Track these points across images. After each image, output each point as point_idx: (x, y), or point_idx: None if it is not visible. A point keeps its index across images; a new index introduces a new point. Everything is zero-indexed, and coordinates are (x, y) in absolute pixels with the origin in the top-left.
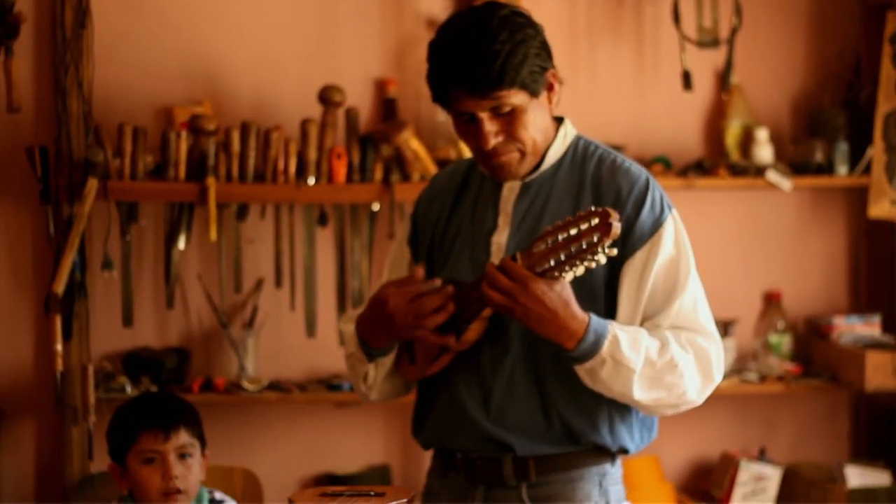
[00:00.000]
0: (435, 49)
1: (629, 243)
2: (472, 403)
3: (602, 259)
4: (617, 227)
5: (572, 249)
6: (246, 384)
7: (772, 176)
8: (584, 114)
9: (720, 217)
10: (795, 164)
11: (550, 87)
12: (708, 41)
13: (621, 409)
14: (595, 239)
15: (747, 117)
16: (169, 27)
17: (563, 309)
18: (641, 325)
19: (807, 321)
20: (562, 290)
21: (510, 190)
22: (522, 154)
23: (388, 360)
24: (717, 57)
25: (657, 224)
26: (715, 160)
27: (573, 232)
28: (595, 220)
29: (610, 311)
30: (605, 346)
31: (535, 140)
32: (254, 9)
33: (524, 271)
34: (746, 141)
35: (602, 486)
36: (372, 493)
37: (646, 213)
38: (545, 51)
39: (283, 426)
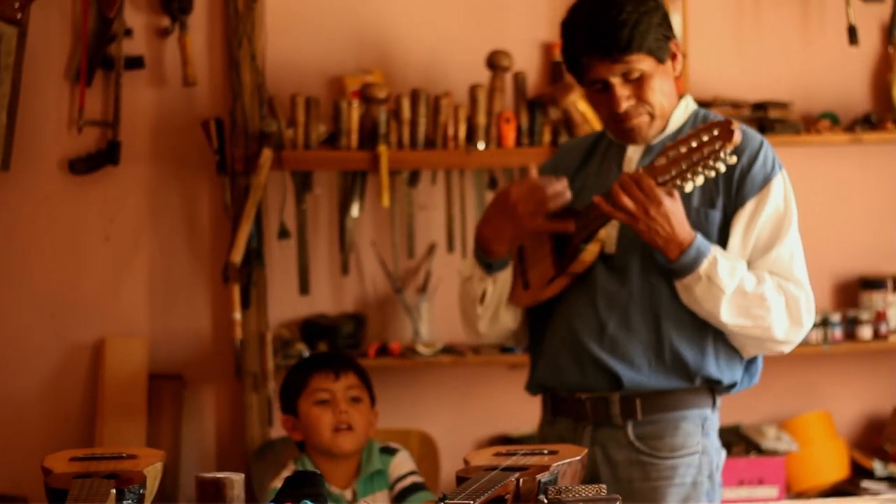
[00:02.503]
0: (567, 24)
1: (741, 194)
2: (586, 333)
3: (721, 167)
4: (738, 133)
5: (694, 158)
6: (420, 348)
7: None
8: (749, 71)
9: (890, 171)
10: None
11: (674, 56)
12: None
13: (728, 347)
14: (717, 146)
15: None
16: None
17: (679, 224)
18: None
19: None
20: (679, 207)
21: (635, 151)
22: (652, 117)
23: (505, 278)
24: (882, 10)
25: (768, 178)
26: (882, 114)
27: (694, 144)
28: (716, 131)
29: None
30: (704, 264)
31: (663, 104)
32: None
33: (658, 190)
34: None
35: (704, 428)
36: (545, 451)
37: (758, 167)
38: (667, 22)
39: (458, 389)
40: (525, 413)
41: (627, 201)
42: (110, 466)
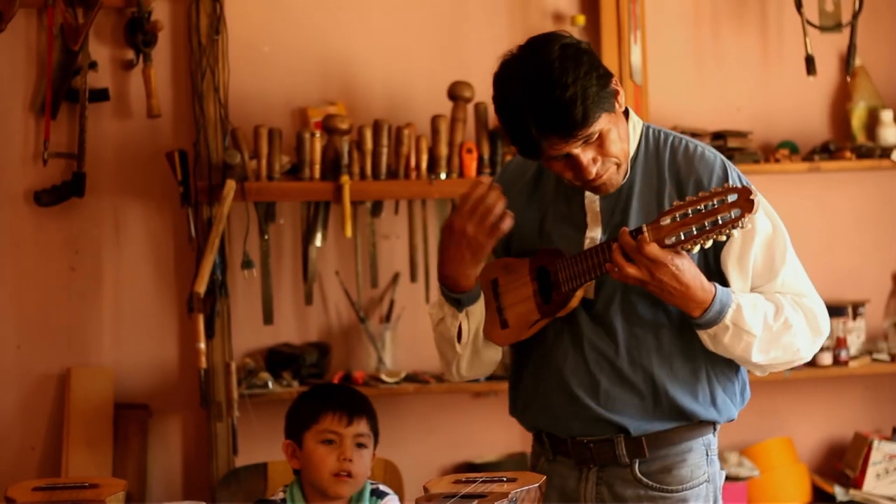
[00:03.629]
0: (508, 109)
1: None
2: (580, 387)
3: (736, 234)
4: (758, 203)
5: (706, 224)
6: (384, 377)
7: None
8: (709, 99)
9: (848, 199)
10: None
11: (616, 94)
12: (830, 25)
13: (721, 379)
14: (733, 215)
15: (872, 99)
16: (301, 30)
17: (694, 281)
18: None
19: None
20: (691, 265)
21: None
22: (619, 165)
23: (477, 312)
24: (840, 40)
25: None
26: (841, 143)
27: (708, 206)
28: (733, 196)
29: None
30: (729, 314)
31: (624, 148)
32: (384, 8)
33: (661, 252)
34: (872, 123)
35: (709, 456)
36: (504, 479)
37: None
38: (601, 66)
39: (422, 417)
40: (489, 441)
41: (632, 270)
42: (73, 496)
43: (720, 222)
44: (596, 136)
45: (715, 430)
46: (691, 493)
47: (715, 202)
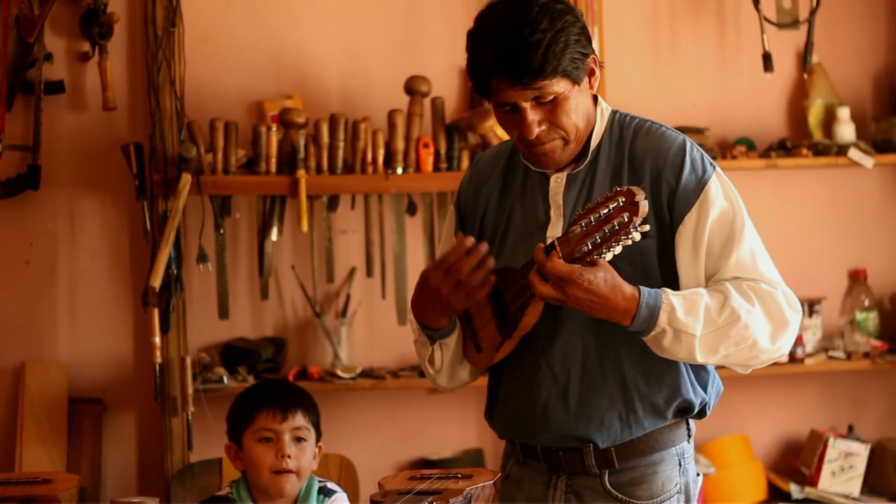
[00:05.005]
0: (474, 39)
1: (677, 210)
2: (551, 400)
3: (637, 236)
4: (644, 204)
5: (606, 231)
6: (340, 372)
7: (854, 154)
8: (666, 96)
9: (804, 196)
10: (877, 143)
11: (591, 73)
12: (787, 22)
13: (696, 366)
14: (625, 218)
15: (829, 96)
16: (257, 23)
17: (612, 291)
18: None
19: (892, 298)
20: (605, 274)
21: (557, 181)
22: (566, 141)
23: (451, 343)
24: (798, 37)
25: (701, 184)
26: (797, 140)
27: (603, 213)
28: (621, 200)
29: (669, 282)
30: (662, 317)
31: (578, 126)
32: (341, 3)
33: (565, 269)
34: (829, 120)
35: (682, 465)
36: (459, 475)
37: (686, 176)
38: (585, 36)
39: (377, 413)
40: (445, 436)
41: (544, 289)
42: (25, 491)
43: (616, 227)
44: (550, 98)
45: (689, 433)
46: None
47: (611, 207)
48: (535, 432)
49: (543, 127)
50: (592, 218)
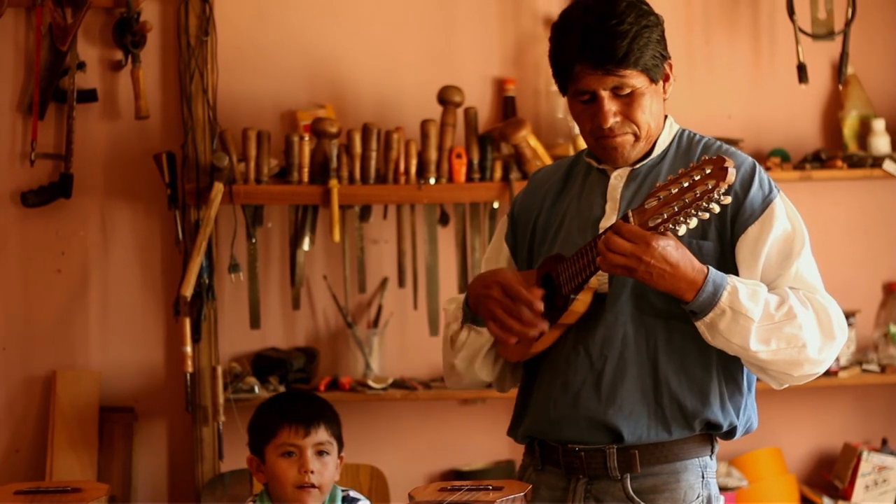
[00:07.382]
0: (560, 27)
1: (740, 222)
2: (584, 387)
3: (716, 208)
4: (732, 172)
5: (686, 200)
6: (371, 383)
7: (889, 166)
8: (701, 107)
9: (838, 208)
10: None
11: (666, 78)
12: (823, 33)
13: (731, 387)
14: (710, 186)
15: (864, 108)
16: (291, 33)
17: (683, 260)
18: None
19: None
20: (679, 245)
21: (618, 177)
22: (636, 137)
23: (483, 332)
24: (832, 48)
25: (767, 200)
26: (832, 151)
27: (686, 183)
28: (709, 169)
29: None
30: (724, 297)
31: (650, 125)
32: (374, 12)
33: (642, 231)
34: (864, 132)
35: (704, 478)
36: (490, 487)
37: (754, 192)
38: (664, 40)
39: (409, 424)
40: (476, 448)
41: (615, 256)
42: (54, 500)
43: (698, 195)
44: (628, 90)
45: (713, 450)
46: None
47: (695, 177)
48: (563, 422)
49: (618, 119)
50: (672, 189)
